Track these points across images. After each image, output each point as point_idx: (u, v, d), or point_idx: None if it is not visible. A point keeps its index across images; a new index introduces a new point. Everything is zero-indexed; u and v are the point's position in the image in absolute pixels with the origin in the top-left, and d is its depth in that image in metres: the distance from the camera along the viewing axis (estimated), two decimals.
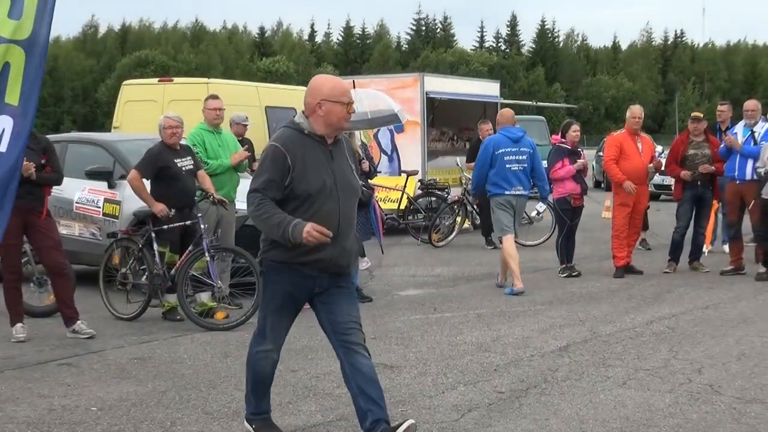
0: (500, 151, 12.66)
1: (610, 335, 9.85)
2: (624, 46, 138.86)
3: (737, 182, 13.98)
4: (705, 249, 15.44)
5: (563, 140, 14.10)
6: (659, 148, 14.71)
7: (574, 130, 14.21)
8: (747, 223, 14.22)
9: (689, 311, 11.21)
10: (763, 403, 7.32)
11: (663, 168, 14.99)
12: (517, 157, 12.70)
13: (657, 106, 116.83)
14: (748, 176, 13.76)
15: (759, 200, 13.31)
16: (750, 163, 13.74)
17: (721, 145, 14.22)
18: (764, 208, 13.26)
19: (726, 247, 14.98)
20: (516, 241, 15.54)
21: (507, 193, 12.60)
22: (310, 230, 5.74)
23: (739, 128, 14.38)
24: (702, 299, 12.01)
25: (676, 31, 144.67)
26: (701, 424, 6.83)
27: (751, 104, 14.60)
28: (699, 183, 14.15)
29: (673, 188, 15.20)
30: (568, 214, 13.91)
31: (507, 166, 12.62)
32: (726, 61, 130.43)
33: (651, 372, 8.31)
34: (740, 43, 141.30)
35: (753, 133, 14.02)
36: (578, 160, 13.94)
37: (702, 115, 14.74)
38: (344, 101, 6.04)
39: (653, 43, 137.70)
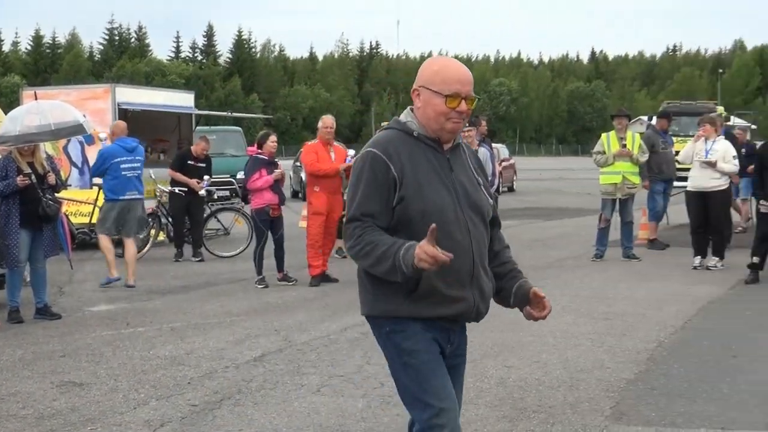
0: (116, 160, 14.10)
1: (304, 344, 10.00)
2: (321, 57, 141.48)
3: None
4: None
5: (260, 151, 14.22)
6: (351, 152, 15.08)
7: (272, 141, 14.36)
8: None
9: None
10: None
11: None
12: (132, 165, 14.23)
13: (354, 116, 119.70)
14: None
15: None
16: None
17: None
18: None
19: None
20: (213, 253, 15.63)
21: (122, 198, 14.07)
22: (420, 252, 4.07)
23: None
24: None
25: (371, 42, 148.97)
26: (392, 427, 7.06)
27: None
28: None
29: None
30: (266, 225, 14.04)
31: (123, 173, 14.07)
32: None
33: (345, 378, 8.50)
34: (434, 54, 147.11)
35: None
36: (275, 170, 14.11)
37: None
38: (445, 93, 4.38)
39: (349, 54, 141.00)
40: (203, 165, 18.23)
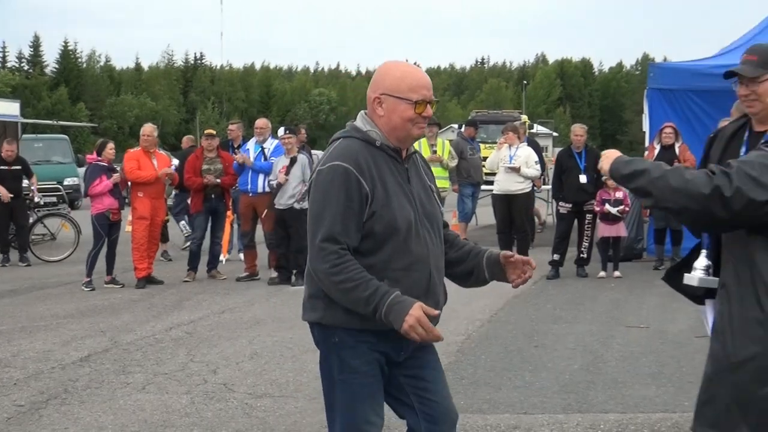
0: None
1: (130, 343, 9.77)
2: (146, 68, 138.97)
3: (250, 195, 14.47)
4: (222, 258, 15.78)
5: (100, 158, 13.90)
6: (176, 162, 14.90)
7: (110, 148, 14.10)
8: (260, 232, 14.71)
9: (207, 316, 11.39)
10: (272, 397, 7.60)
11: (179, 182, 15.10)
12: None
13: (179, 125, 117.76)
14: (260, 189, 14.29)
15: (271, 211, 13.87)
16: (261, 177, 14.28)
17: (234, 162, 14.67)
18: (277, 218, 13.82)
19: (242, 255, 15.38)
20: (40, 258, 15.16)
21: None
22: (415, 323, 3.81)
23: (251, 145, 14.89)
24: (219, 305, 12.24)
25: (196, 53, 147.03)
26: (215, 421, 6.97)
27: (261, 122, 15.25)
28: (213, 196, 14.50)
29: (190, 202, 15.46)
30: (105, 229, 13.68)
31: None
32: (244, 82, 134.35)
33: (169, 375, 8.34)
34: (256, 66, 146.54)
35: (263, 149, 14.63)
36: (114, 175, 13.81)
37: (215, 133, 15.16)
38: (413, 99, 4.07)
39: (175, 64, 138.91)
40: (18, 167, 17.42)
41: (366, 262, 3.96)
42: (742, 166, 3.42)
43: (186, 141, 18.93)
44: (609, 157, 3.75)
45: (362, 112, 4.22)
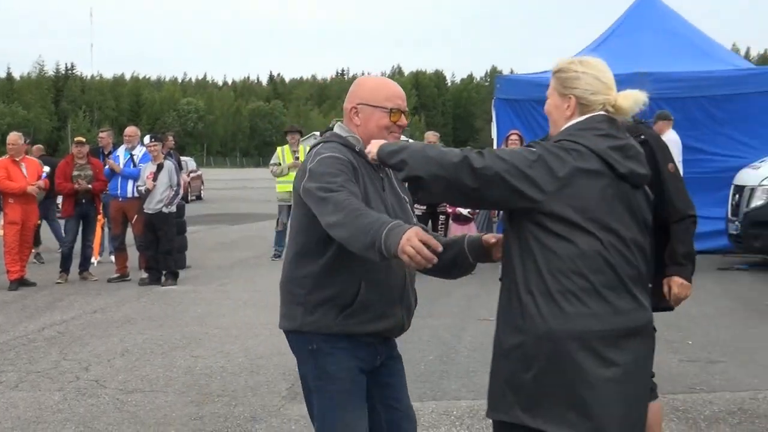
0: None
1: (3, 343, 9.54)
2: (18, 77, 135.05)
3: (120, 200, 14.36)
4: (94, 260, 15.53)
5: None
6: (47, 169, 14.59)
7: None
8: (131, 235, 14.54)
9: (79, 316, 11.19)
10: (143, 392, 7.53)
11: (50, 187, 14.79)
12: None
13: (51, 133, 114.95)
14: (130, 194, 14.19)
15: (141, 215, 13.73)
16: (131, 182, 14.15)
17: (105, 167, 14.50)
18: (146, 222, 13.69)
19: (113, 257, 15.16)
20: None
21: None
22: (413, 237, 3.30)
23: (121, 152, 14.80)
24: (91, 305, 12.02)
25: (66, 64, 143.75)
26: (87, 416, 6.88)
27: (129, 131, 15.20)
28: (84, 201, 14.28)
29: (61, 206, 15.20)
30: None
31: None
32: (114, 92, 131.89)
33: (42, 374, 8.19)
34: (126, 76, 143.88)
35: (132, 156, 14.51)
36: None
37: (84, 140, 14.91)
38: (389, 107, 3.99)
39: (46, 74, 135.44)
40: None
41: (346, 264, 3.81)
42: (496, 150, 3.52)
43: (36, 150, 18.31)
44: (376, 143, 3.75)
45: (339, 122, 4.13)
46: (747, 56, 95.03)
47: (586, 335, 3.34)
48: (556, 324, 3.35)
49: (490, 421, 3.74)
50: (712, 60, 16.13)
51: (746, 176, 14.06)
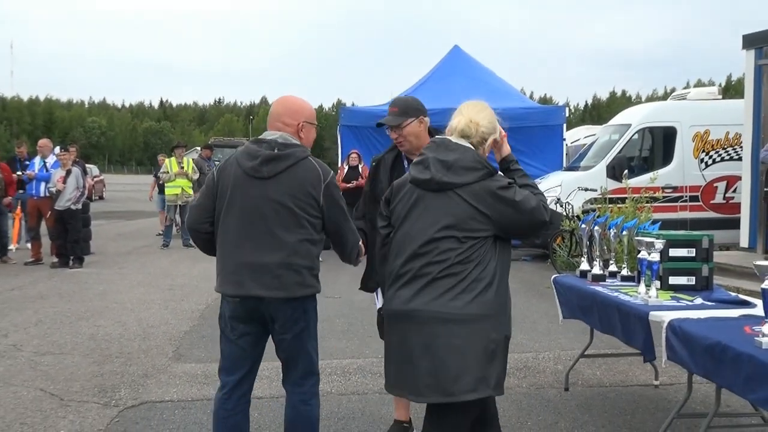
0: None
1: None
2: None
3: (35, 198, 13.89)
4: (12, 246, 14.85)
5: None
6: None
7: None
8: (44, 227, 13.92)
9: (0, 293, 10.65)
10: (53, 355, 7.21)
11: None
12: None
13: None
14: (43, 194, 13.82)
15: (54, 211, 13.27)
16: (43, 184, 13.80)
17: (24, 173, 14.17)
18: (57, 216, 13.21)
19: (29, 245, 14.47)
20: None
21: None
22: None
23: (37, 160, 14.39)
24: (9, 284, 11.41)
25: None
26: (6, 374, 6.52)
27: (42, 142, 14.98)
28: None
29: None
30: None
31: None
32: (30, 110, 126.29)
33: None
34: (41, 98, 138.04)
35: (45, 163, 14.10)
36: None
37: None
38: (316, 124, 4.04)
39: None
40: None
41: (316, 253, 3.90)
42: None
43: None
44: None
45: (283, 134, 3.88)
46: (531, 97, 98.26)
47: None
48: None
49: (335, 375, 3.69)
50: (506, 99, 16.61)
51: None
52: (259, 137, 3.93)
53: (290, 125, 3.91)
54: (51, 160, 14.24)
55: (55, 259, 13.39)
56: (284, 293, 3.78)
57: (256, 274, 3.78)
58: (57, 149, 14.39)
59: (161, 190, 17.99)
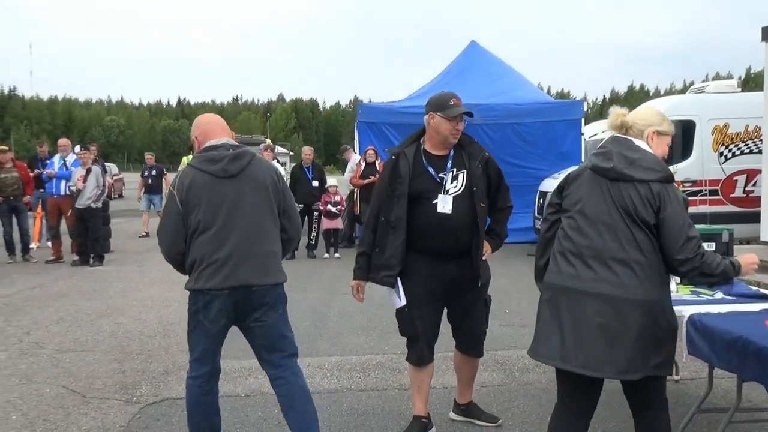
0: None
1: None
2: None
3: (56, 197, 13.90)
4: (34, 245, 14.92)
5: None
6: None
7: None
8: (65, 225, 14.00)
9: (21, 291, 10.70)
10: (75, 352, 7.26)
11: None
12: None
13: None
14: (63, 192, 13.80)
15: (74, 210, 13.29)
16: (64, 183, 13.77)
17: (44, 172, 14.28)
18: (77, 215, 13.25)
19: (50, 243, 14.57)
20: None
21: None
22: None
23: (57, 158, 14.40)
24: (31, 282, 11.52)
25: (9, 87, 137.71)
26: (28, 371, 6.59)
27: (62, 142, 15.01)
28: (12, 198, 13.69)
29: None
30: None
31: None
32: (50, 110, 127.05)
33: None
34: (59, 97, 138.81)
35: (65, 161, 14.11)
36: None
37: (7, 148, 14.33)
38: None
39: None
40: None
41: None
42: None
43: None
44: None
45: (228, 139, 4.31)
46: (548, 92, 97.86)
47: None
48: None
49: (354, 371, 3.72)
50: (523, 94, 16.52)
51: (548, 184, 14.41)
52: (208, 145, 4.20)
53: (227, 132, 4.37)
54: (71, 158, 14.31)
55: (76, 258, 13.47)
56: (271, 279, 4.07)
57: (247, 263, 4.00)
58: (77, 148, 14.43)
59: (147, 190, 18.25)
